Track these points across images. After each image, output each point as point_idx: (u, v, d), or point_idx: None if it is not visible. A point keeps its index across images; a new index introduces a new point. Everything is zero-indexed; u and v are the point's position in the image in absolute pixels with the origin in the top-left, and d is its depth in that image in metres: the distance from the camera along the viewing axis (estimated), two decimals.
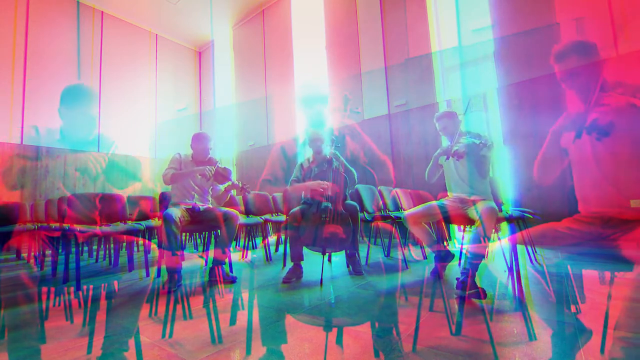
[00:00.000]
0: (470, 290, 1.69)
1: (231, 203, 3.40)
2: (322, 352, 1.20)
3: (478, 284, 1.76)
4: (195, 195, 2.57)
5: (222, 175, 2.53)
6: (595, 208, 1.27)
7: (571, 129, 1.30)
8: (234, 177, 2.58)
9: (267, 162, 6.60)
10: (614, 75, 1.29)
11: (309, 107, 6.00)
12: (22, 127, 5.58)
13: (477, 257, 1.82)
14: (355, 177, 2.65)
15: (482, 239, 1.83)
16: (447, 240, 3.53)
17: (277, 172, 6.35)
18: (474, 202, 2.11)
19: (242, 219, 3.10)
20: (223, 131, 8.07)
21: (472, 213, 1.99)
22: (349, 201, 2.58)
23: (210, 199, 2.71)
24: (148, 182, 7.01)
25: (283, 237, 4.40)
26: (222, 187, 2.74)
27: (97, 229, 2.49)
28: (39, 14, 5.99)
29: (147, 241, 3.16)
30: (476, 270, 1.80)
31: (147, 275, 2.68)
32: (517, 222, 2.39)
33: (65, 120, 5.91)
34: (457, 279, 1.83)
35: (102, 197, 2.80)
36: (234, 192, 2.66)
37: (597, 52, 1.28)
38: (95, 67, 6.64)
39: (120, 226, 2.68)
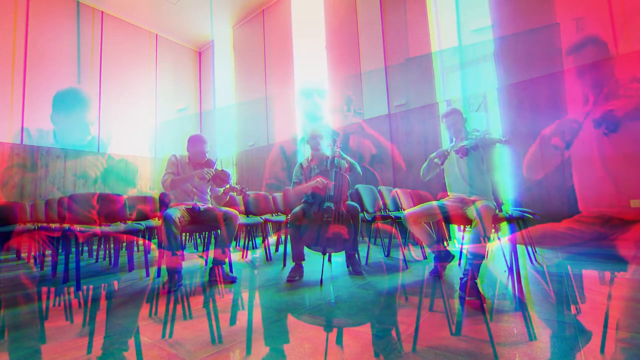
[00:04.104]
0: (469, 297, 1.69)
1: (231, 203, 3.40)
2: (322, 352, 1.20)
3: (480, 288, 1.76)
4: (195, 197, 2.57)
5: (220, 178, 2.52)
6: (595, 208, 1.27)
7: (564, 134, 1.29)
8: (234, 177, 2.58)
9: (267, 163, 6.59)
10: (621, 75, 1.28)
11: (307, 99, 5.99)
12: (22, 128, 5.59)
13: (477, 258, 1.82)
14: (359, 169, 2.68)
15: (481, 238, 1.83)
16: (447, 241, 3.53)
17: (278, 174, 6.35)
18: (473, 202, 2.11)
19: (242, 219, 3.10)
20: (223, 131, 8.07)
21: (471, 212, 1.99)
22: (349, 202, 2.58)
23: (209, 198, 2.70)
24: (145, 186, 7.02)
25: (283, 237, 4.40)
26: (221, 189, 2.74)
27: (97, 229, 2.49)
28: (39, 14, 5.99)
29: (147, 241, 3.16)
30: (477, 271, 1.80)
31: (147, 275, 2.68)
32: (517, 222, 2.38)
33: (59, 126, 5.91)
34: (461, 279, 1.83)
35: (101, 197, 2.80)
36: (234, 193, 2.66)
37: (608, 48, 1.29)
38: (96, 67, 6.64)
39: (120, 226, 2.68)
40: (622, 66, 1.31)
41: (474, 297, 1.67)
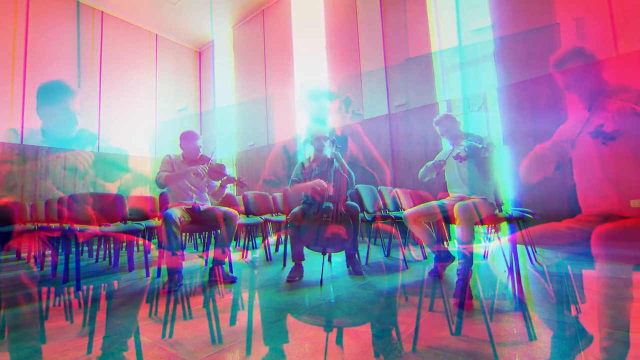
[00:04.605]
0: (455, 297, 1.71)
1: (231, 203, 3.40)
2: (322, 352, 1.20)
3: (468, 286, 1.75)
4: (194, 195, 2.57)
5: (216, 171, 2.51)
6: (595, 208, 1.27)
7: (555, 156, 1.32)
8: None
9: (267, 162, 6.60)
10: (617, 78, 1.29)
11: (314, 102, 5.98)
12: (22, 127, 5.59)
13: (468, 255, 1.83)
14: (354, 180, 2.65)
15: (469, 234, 1.85)
16: (447, 241, 3.53)
17: (278, 172, 6.35)
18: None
19: (242, 219, 3.10)
20: (223, 131, 8.07)
21: (458, 205, 1.95)
22: (349, 202, 2.58)
23: (208, 197, 2.70)
24: (144, 183, 7.00)
25: (283, 237, 4.40)
26: (217, 183, 2.73)
27: (97, 228, 2.49)
28: (39, 14, 5.99)
29: (147, 241, 3.16)
30: (466, 271, 1.79)
31: (147, 275, 2.68)
32: (517, 222, 2.38)
33: (45, 119, 5.84)
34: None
35: (101, 196, 2.80)
36: (233, 190, 2.65)
37: (594, 57, 1.30)
38: (96, 67, 6.64)
39: (120, 226, 2.68)
40: (615, 72, 1.32)
41: (460, 297, 1.69)
